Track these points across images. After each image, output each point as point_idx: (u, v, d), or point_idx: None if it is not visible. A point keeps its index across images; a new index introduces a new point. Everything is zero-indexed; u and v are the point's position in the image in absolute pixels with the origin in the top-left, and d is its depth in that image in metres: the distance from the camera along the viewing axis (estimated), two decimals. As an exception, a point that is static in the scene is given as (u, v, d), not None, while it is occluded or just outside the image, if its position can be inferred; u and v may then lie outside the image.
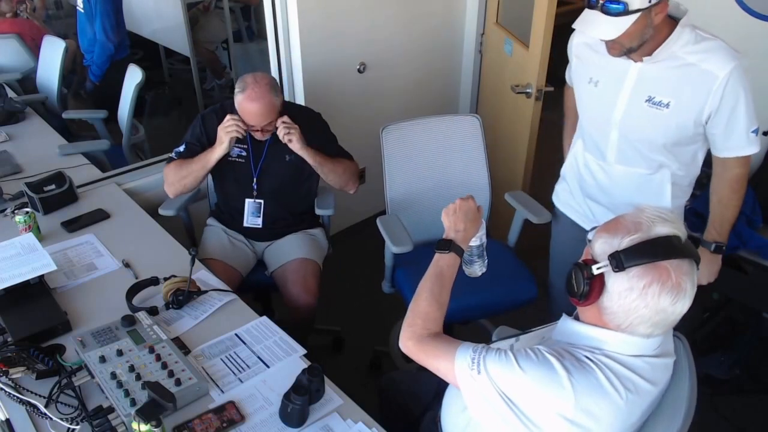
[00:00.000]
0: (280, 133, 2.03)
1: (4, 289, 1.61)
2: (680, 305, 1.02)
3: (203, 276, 1.82)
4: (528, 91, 2.55)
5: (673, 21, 1.52)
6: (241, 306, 1.71)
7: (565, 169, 1.99)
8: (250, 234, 2.26)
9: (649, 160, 1.67)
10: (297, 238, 2.24)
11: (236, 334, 1.59)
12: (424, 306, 1.27)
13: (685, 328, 2.53)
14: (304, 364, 1.49)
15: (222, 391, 1.41)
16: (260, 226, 2.22)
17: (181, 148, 2.15)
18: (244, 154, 2.16)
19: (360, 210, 3.23)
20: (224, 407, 1.36)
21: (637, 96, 1.59)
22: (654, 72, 1.56)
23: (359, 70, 2.93)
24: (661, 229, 1.04)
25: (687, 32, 1.52)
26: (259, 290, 2.40)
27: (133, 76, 2.97)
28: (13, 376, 1.39)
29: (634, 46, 1.50)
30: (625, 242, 1.04)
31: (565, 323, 1.19)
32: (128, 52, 3.61)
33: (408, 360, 1.33)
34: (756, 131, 1.58)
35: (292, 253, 2.18)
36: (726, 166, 1.64)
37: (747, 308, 2.45)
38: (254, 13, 4.53)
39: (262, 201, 2.20)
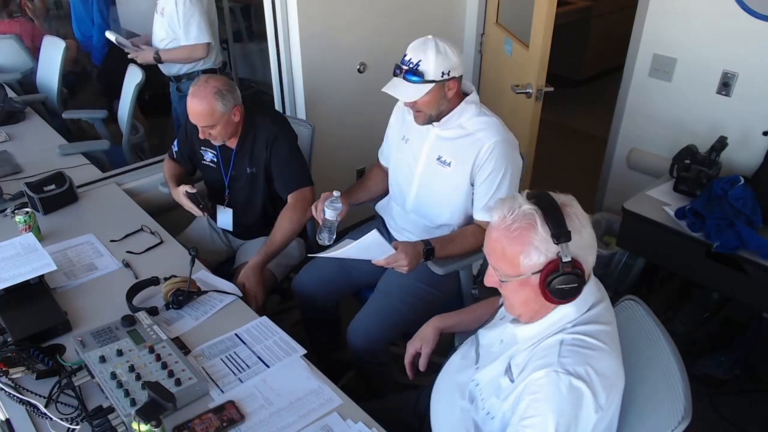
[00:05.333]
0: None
1: (4, 289, 1.61)
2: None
3: (204, 276, 1.82)
4: (528, 91, 2.55)
5: (465, 97, 1.84)
6: (241, 306, 1.71)
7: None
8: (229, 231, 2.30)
9: (436, 214, 1.92)
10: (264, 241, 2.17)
11: (236, 334, 1.59)
12: None
13: (685, 327, 2.55)
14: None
15: (222, 391, 1.41)
16: (231, 230, 2.27)
17: (176, 148, 2.28)
18: (215, 160, 2.18)
19: (360, 210, 3.22)
20: (224, 407, 1.36)
21: (432, 155, 1.88)
22: (444, 136, 1.85)
23: (359, 70, 2.93)
24: (524, 202, 1.11)
25: (472, 108, 1.83)
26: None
27: (133, 76, 2.97)
28: (13, 376, 1.39)
29: (434, 115, 1.79)
30: (542, 228, 1.08)
31: (521, 330, 1.19)
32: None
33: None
34: None
35: (251, 255, 2.09)
36: (478, 223, 1.87)
37: (747, 308, 2.45)
38: (254, 13, 4.53)
39: (231, 210, 2.21)
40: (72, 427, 1.29)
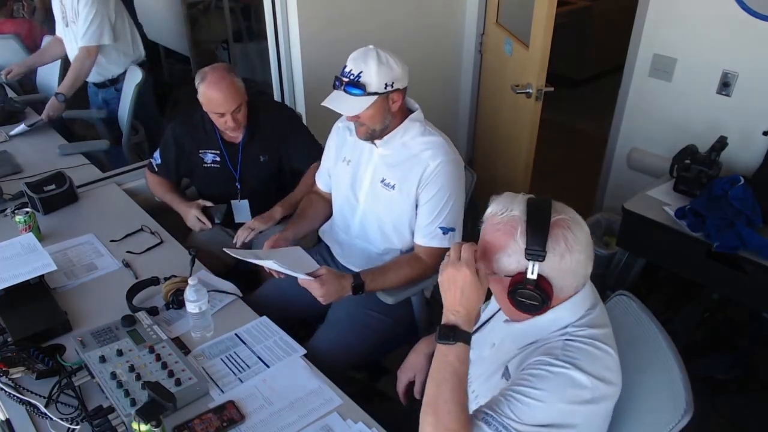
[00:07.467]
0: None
1: (4, 289, 1.61)
2: (585, 225, 1.11)
3: (204, 276, 1.81)
4: (528, 91, 2.55)
5: (409, 114, 1.75)
6: (241, 306, 1.71)
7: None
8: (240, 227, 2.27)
9: (381, 239, 1.83)
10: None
11: (236, 334, 1.59)
12: (446, 421, 1.03)
13: (685, 327, 2.55)
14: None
15: (222, 391, 1.41)
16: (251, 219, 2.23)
17: (158, 161, 2.23)
18: (218, 159, 2.17)
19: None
20: (224, 407, 1.36)
21: (376, 177, 1.79)
22: (388, 158, 1.76)
23: (359, 70, 2.93)
24: (519, 206, 1.10)
25: (416, 126, 1.74)
26: (250, 278, 2.36)
27: (133, 76, 2.97)
28: (13, 376, 1.39)
29: (377, 129, 1.69)
30: (520, 238, 1.07)
31: (515, 327, 1.18)
32: None
33: None
34: (446, 230, 1.72)
35: None
36: (417, 248, 1.78)
37: (747, 308, 2.45)
38: (254, 13, 4.54)
39: (247, 200, 2.21)
40: (72, 427, 1.29)
